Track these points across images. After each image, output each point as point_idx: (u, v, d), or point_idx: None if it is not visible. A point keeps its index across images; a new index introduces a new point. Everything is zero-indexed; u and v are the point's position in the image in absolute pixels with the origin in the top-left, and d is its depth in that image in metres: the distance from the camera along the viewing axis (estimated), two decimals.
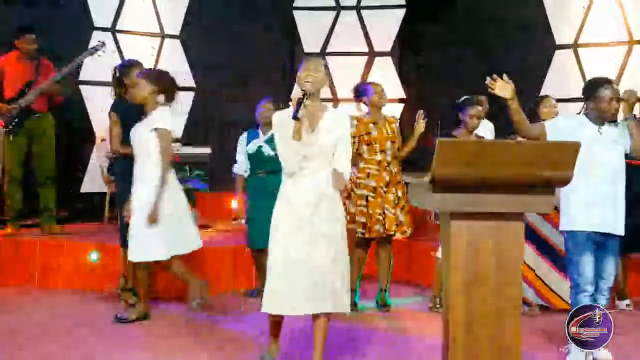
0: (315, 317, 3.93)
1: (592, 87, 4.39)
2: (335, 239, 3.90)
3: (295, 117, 3.76)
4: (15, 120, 6.38)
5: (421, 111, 5.55)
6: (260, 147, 5.60)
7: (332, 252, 3.87)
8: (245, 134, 5.75)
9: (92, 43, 7.60)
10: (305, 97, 3.81)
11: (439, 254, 5.57)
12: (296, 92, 3.84)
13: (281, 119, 3.92)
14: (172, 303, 5.70)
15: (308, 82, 3.84)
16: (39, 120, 6.50)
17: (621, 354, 4.43)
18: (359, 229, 5.47)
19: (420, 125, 5.49)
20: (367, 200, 5.47)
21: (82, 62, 6.34)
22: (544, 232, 5.52)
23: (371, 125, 5.53)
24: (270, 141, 5.29)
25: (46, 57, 6.62)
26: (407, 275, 6.58)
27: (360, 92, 5.64)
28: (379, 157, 5.51)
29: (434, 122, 5.70)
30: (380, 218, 5.45)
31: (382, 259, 5.67)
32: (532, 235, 5.49)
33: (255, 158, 5.63)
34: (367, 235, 5.48)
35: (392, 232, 5.50)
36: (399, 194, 5.54)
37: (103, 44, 6.38)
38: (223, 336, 4.86)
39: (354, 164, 5.55)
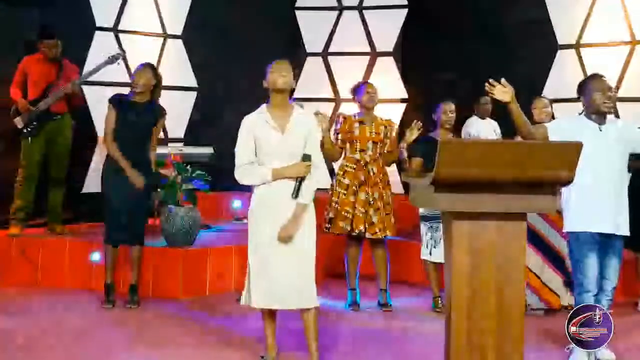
0: (304, 311, 4.06)
1: (581, 84, 4.45)
2: (311, 238, 4.06)
3: (295, 196, 3.96)
4: (34, 123, 6.41)
5: (417, 121, 5.57)
6: None
7: (310, 249, 4.05)
8: None
9: (96, 43, 7.67)
10: (302, 180, 3.96)
11: (423, 257, 5.59)
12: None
13: (254, 123, 4.05)
14: (171, 303, 5.71)
15: (282, 80, 3.98)
16: (57, 122, 6.52)
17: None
18: (325, 224, 5.55)
19: (412, 134, 5.51)
20: (338, 197, 5.54)
21: (101, 68, 6.38)
22: (550, 239, 5.52)
23: (356, 124, 5.59)
24: None
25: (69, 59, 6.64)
26: (407, 276, 6.58)
27: (353, 92, 5.72)
28: (357, 156, 5.56)
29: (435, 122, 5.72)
30: (348, 215, 5.49)
31: (378, 260, 5.68)
32: (539, 242, 5.50)
33: None
34: (331, 231, 5.56)
35: (358, 232, 5.50)
36: (375, 195, 5.53)
37: (123, 52, 6.45)
38: (223, 336, 4.86)
39: (336, 160, 5.63)
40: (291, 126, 4.02)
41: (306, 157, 3.98)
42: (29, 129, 6.42)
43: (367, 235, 5.52)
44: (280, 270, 3.98)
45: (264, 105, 4.10)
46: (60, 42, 6.50)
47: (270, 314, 4.17)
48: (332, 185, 5.63)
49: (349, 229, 5.48)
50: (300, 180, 3.96)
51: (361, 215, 5.48)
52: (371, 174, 5.54)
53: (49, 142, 6.51)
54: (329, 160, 5.68)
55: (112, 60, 6.30)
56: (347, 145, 5.60)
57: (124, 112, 5.46)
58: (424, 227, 5.56)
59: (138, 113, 5.46)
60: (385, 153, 5.62)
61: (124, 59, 7.97)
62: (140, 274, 5.65)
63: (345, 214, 5.48)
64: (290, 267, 3.98)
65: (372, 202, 5.51)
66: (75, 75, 6.55)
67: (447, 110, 5.50)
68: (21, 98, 6.42)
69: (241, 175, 4.03)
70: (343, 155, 5.65)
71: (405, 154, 5.59)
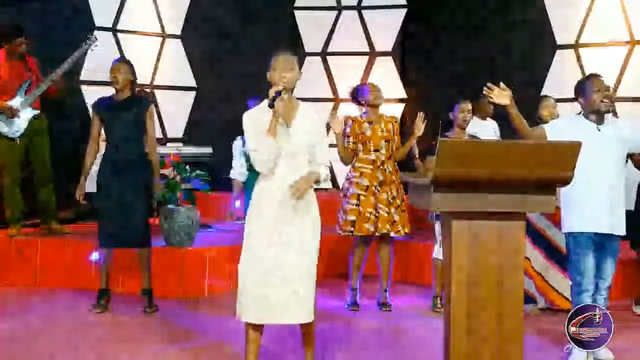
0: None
1: (578, 84, 4.46)
2: (310, 244, 3.74)
3: (271, 105, 3.62)
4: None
5: (421, 113, 5.58)
6: None
7: (306, 260, 3.73)
8: (239, 138, 5.71)
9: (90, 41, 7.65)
10: (283, 91, 3.66)
11: (435, 254, 5.58)
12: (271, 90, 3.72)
13: (252, 117, 3.78)
14: (171, 303, 5.71)
15: (284, 82, 3.70)
16: (36, 120, 6.49)
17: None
18: (347, 227, 5.49)
19: (419, 128, 5.52)
20: (358, 199, 5.48)
21: (79, 58, 6.30)
22: (551, 235, 5.51)
23: (366, 124, 5.56)
24: None
25: (34, 56, 6.54)
26: (407, 275, 6.58)
27: (356, 94, 5.69)
28: (372, 156, 5.54)
29: (435, 122, 5.71)
30: (372, 217, 5.46)
31: (383, 259, 5.68)
32: (541, 240, 5.50)
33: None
34: (356, 234, 5.49)
35: (386, 231, 5.50)
36: (394, 193, 5.54)
37: (95, 38, 6.35)
38: (223, 336, 4.86)
39: (350, 163, 5.60)
40: (296, 123, 3.75)
41: (278, 94, 3.64)
42: (14, 130, 6.34)
43: (392, 234, 5.53)
44: (279, 273, 3.65)
45: (266, 101, 3.76)
46: (27, 40, 6.37)
47: (257, 328, 3.78)
48: (346, 188, 5.57)
49: (373, 229, 5.47)
50: (279, 92, 3.63)
51: (386, 215, 5.48)
52: (387, 172, 5.54)
53: (29, 141, 6.43)
54: (343, 162, 5.65)
55: (85, 48, 6.21)
56: (360, 146, 5.55)
57: (109, 113, 5.32)
58: (438, 227, 5.53)
59: (122, 111, 5.30)
60: (394, 150, 5.63)
61: (122, 55, 7.98)
62: (151, 277, 5.43)
63: (369, 215, 5.46)
64: (291, 270, 3.66)
65: (392, 201, 5.52)
66: (37, 68, 6.45)
67: (464, 110, 5.50)
68: None
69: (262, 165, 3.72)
70: (355, 157, 5.60)
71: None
